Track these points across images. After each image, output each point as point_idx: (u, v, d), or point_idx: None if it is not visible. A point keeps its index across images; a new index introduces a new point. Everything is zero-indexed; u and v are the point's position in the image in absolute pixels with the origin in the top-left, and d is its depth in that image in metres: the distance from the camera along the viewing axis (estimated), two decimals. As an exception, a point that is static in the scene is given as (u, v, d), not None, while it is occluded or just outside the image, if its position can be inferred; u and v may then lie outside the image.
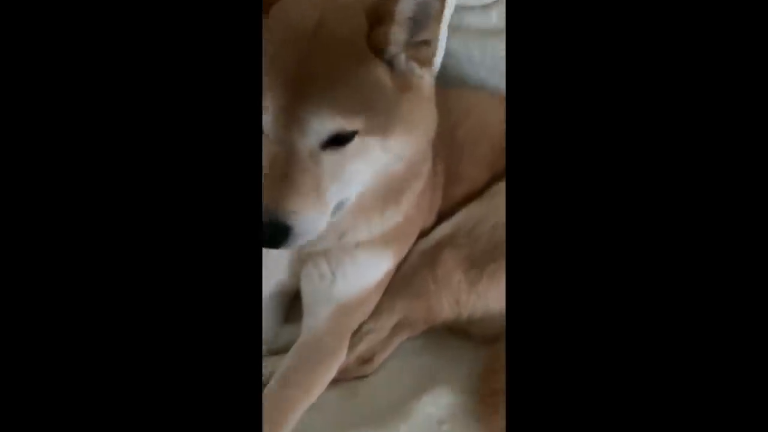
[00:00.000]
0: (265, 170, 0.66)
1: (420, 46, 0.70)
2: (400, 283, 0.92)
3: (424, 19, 0.67)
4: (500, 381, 0.82)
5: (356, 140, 0.67)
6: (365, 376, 0.92)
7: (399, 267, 0.93)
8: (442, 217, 0.99)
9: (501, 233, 0.90)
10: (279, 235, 0.66)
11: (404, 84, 0.70)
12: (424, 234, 0.97)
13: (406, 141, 0.73)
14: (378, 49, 0.67)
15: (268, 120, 0.65)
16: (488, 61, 1.19)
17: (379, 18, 0.66)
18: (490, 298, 0.89)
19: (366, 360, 0.91)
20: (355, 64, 0.66)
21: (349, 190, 0.72)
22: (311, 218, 0.67)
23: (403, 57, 0.70)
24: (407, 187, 0.83)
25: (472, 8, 1.16)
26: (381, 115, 0.68)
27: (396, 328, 0.92)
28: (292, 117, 0.64)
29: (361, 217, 0.82)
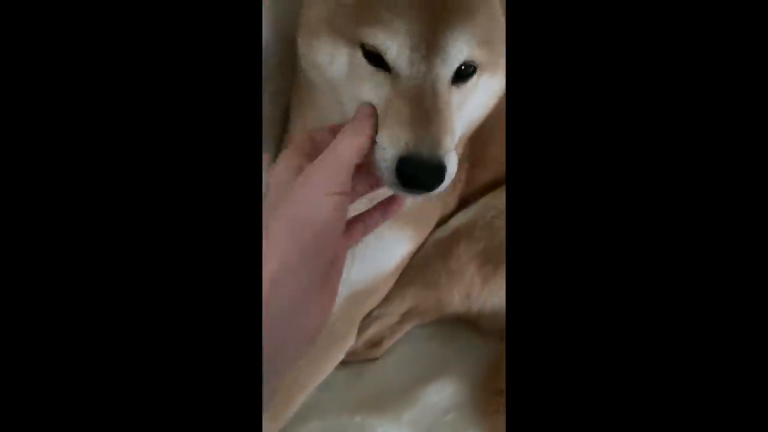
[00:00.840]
0: (392, 106, 0.58)
1: None
2: (413, 271, 0.91)
3: None
4: (503, 381, 0.82)
5: (474, 76, 0.64)
6: (373, 360, 0.93)
7: (415, 253, 0.92)
8: (464, 202, 0.97)
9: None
10: (439, 175, 0.57)
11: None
12: (443, 219, 0.95)
13: (501, 84, 0.69)
14: None
15: (400, 52, 0.58)
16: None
17: None
18: (502, 295, 0.87)
19: (375, 344, 0.92)
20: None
21: (462, 129, 0.68)
22: (455, 158, 0.59)
23: None
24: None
25: None
26: (497, 52, 0.65)
27: (406, 315, 0.92)
28: (434, 45, 0.59)
29: None
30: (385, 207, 0.62)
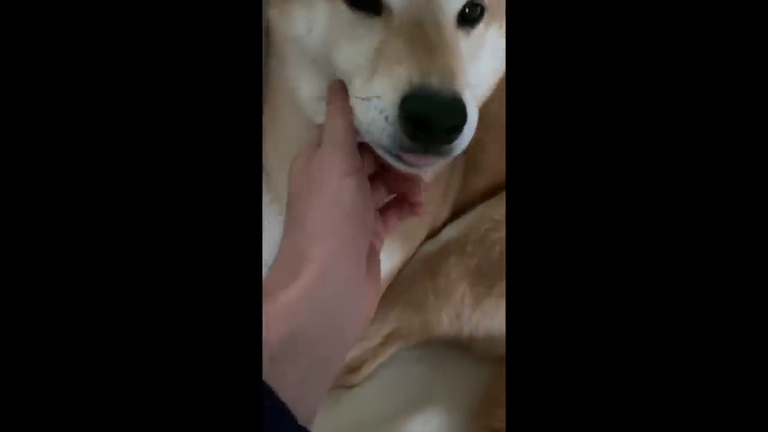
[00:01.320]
0: (386, 49, 0.50)
1: None
2: (398, 289, 0.82)
3: None
4: (500, 418, 0.73)
5: (481, 26, 0.57)
6: (352, 386, 0.84)
7: (400, 269, 0.83)
8: (458, 210, 0.88)
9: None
10: (456, 112, 0.46)
11: None
12: (434, 231, 0.86)
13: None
14: None
15: None
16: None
17: None
18: (496, 319, 0.78)
19: (353, 369, 0.83)
20: None
21: (475, 82, 0.59)
22: (475, 111, 0.49)
23: None
24: None
25: None
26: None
27: (389, 337, 0.83)
28: None
29: None
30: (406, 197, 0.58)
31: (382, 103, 0.47)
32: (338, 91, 0.54)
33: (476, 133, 0.84)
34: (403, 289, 0.82)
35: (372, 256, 0.52)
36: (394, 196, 0.58)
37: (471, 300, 0.78)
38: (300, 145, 0.54)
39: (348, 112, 0.51)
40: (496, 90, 0.74)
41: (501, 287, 0.78)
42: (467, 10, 0.55)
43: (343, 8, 0.53)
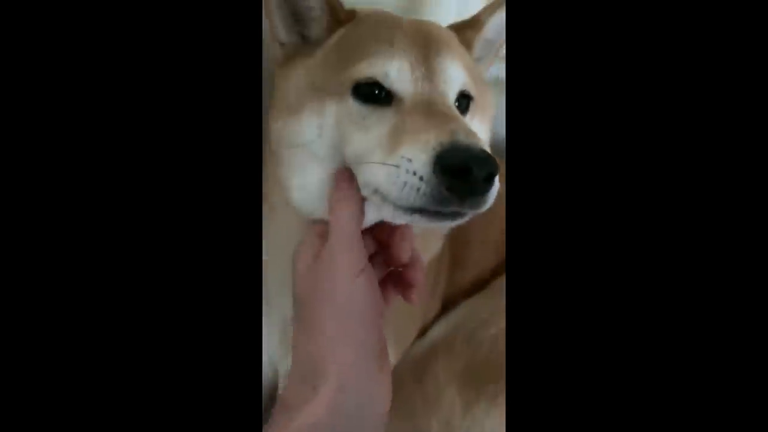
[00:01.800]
0: (401, 128, 0.54)
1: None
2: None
3: (491, 50, 0.74)
4: None
5: (468, 116, 0.63)
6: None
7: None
8: (446, 305, 0.86)
9: (504, 345, 0.76)
10: (488, 163, 0.48)
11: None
12: (425, 326, 0.84)
13: (487, 137, 0.69)
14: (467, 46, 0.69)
15: (401, 72, 0.57)
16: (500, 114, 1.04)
17: (467, 25, 0.71)
18: (487, 426, 0.75)
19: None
20: (462, 45, 0.67)
21: None
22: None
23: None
24: None
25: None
26: (483, 96, 0.67)
27: (377, 446, 0.79)
28: (432, 65, 0.59)
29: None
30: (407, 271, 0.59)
31: (414, 165, 0.49)
32: (346, 178, 0.56)
33: (459, 233, 0.84)
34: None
35: (380, 341, 0.53)
36: (391, 269, 0.59)
37: (461, 406, 0.75)
38: (294, 242, 0.57)
39: (357, 199, 0.54)
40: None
41: (490, 390, 0.75)
42: (458, 101, 0.61)
43: (356, 106, 0.57)
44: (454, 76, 0.60)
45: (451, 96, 0.60)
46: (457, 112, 0.56)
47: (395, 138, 0.53)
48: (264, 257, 0.73)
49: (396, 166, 0.50)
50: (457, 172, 0.48)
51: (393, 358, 0.78)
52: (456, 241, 0.84)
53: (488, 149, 0.52)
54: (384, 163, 0.52)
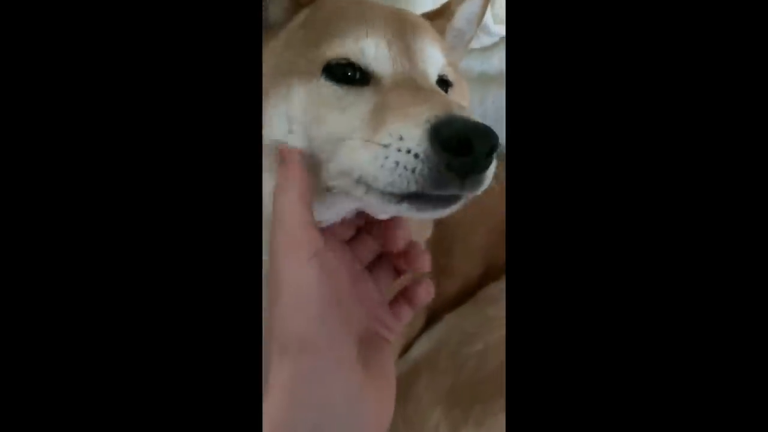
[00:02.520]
0: (379, 113, 0.48)
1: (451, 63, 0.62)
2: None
3: (462, 41, 0.72)
4: None
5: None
6: None
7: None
8: (431, 317, 0.81)
9: (492, 361, 0.71)
10: (488, 135, 0.43)
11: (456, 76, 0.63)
12: (408, 344, 0.78)
13: None
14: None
15: (378, 50, 0.52)
16: (490, 112, 0.99)
17: (439, 12, 0.68)
18: (476, 450, 0.70)
19: None
20: (436, 32, 0.61)
21: None
22: None
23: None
24: None
25: (470, 51, 0.97)
26: (459, 86, 0.61)
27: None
28: (410, 46, 0.54)
29: None
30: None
31: (406, 143, 0.43)
32: (291, 158, 0.49)
33: (442, 240, 0.79)
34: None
35: (377, 351, 0.47)
36: (400, 283, 0.53)
37: (447, 429, 0.70)
38: None
39: (302, 179, 0.47)
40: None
41: (478, 411, 0.70)
42: (439, 80, 0.57)
43: (328, 86, 0.51)
44: (434, 57, 0.55)
45: (432, 76, 0.55)
46: (443, 91, 0.52)
47: (380, 115, 0.47)
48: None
49: (384, 146, 0.44)
50: (458, 147, 0.42)
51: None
52: (438, 249, 0.79)
53: None
54: (369, 141, 0.45)
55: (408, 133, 0.43)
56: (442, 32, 0.66)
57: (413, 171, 0.43)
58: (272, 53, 0.55)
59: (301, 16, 0.57)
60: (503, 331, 0.44)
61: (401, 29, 0.55)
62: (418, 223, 0.72)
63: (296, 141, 0.51)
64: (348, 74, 0.51)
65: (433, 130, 0.43)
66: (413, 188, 0.44)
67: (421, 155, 0.43)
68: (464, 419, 0.70)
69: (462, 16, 0.70)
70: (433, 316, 0.82)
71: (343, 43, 0.52)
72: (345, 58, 0.51)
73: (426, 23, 0.60)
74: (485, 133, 0.42)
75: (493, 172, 0.46)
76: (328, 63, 0.51)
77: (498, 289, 0.79)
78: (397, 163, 0.44)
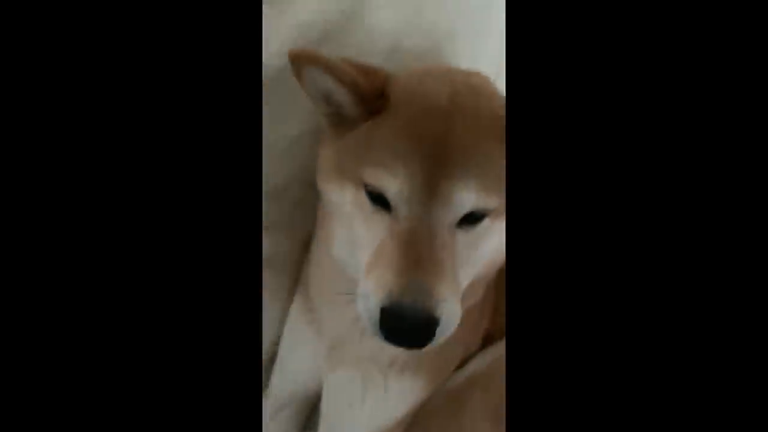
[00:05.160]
0: (384, 248, 0.59)
1: None
2: (419, 425, 0.81)
3: None
4: None
5: (486, 221, 0.62)
6: None
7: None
8: (487, 340, 0.87)
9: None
10: (427, 331, 0.54)
11: None
12: (464, 360, 0.85)
13: None
14: None
15: (399, 192, 0.59)
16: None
17: None
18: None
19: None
20: (497, 141, 0.60)
21: (472, 274, 0.64)
22: (456, 308, 0.57)
23: None
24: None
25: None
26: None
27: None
28: (435, 189, 0.58)
29: None
30: None
31: (368, 302, 0.56)
32: None
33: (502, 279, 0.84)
34: (423, 423, 0.81)
35: None
36: None
37: (493, 441, 0.77)
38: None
39: None
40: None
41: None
42: (465, 219, 0.61)
43: (364, 197, 0.62)
44: (461, 202, 0.59)
45: (451, 221, 0.60)
46: (439, 245, 0.57)
47: (375, 258, 0.58)
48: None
49: (363, 296, 0.57)
50: (390, 333, 0.55)
51: (428, 389, 0.79)
52: (498, 290, 0.85)
53: (444, 303, 0.55)
54: (353, 294, 0.59)
55: (370, 297, 0.56)
56: None
57: (368, 323, 0.56)
58: (337, 153, 0.65)
59: (367, 125, 0.64)
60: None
61: (436, 168, 0.58)
62: (471, 287, 0.75)
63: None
64: (379, 196, 0.60)
65: (383, 313, 0.55)
66: (373, 334, 0.56)
67: (372, 317, 0.55)
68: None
69: None
70: (489, 338, 0.88)
71: (376, 173, 0.60)
72: (375, 187, 0.60)
73: (481, 145, 0.61)
74: (418, 332, 0.54)
75: (444, 335, 0.57)
76: (366, 183, 0.61)
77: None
78: (362, 312, 0.57)
